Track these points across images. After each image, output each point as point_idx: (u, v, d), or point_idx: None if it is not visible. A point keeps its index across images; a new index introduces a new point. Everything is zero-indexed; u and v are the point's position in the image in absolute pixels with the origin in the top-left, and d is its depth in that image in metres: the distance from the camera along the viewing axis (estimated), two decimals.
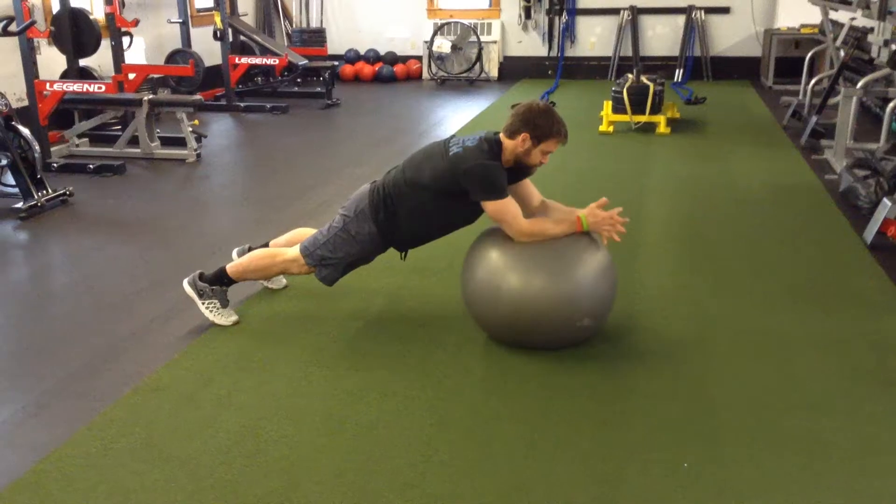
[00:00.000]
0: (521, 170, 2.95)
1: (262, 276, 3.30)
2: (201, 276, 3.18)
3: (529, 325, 2.79)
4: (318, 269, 3.08)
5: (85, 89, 5.86)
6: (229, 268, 3.18)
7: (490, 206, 2.83)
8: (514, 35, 10.36)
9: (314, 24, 10.67)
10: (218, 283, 3.17)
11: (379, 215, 2.96)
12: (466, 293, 2.95)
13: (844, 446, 2.32)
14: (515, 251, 2.80)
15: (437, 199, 2.91)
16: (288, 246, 3.27)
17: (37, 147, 4.84)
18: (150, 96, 6.05)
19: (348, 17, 10.72)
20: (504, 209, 2.81)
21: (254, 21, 10.23)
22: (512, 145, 2.86)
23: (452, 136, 2.98)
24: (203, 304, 3.16)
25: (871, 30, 5.96)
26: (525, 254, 2.79)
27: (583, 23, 10.13)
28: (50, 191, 4.82)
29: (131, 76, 6.66)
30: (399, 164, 3.06)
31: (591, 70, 10.17)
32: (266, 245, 3.44)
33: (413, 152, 3.08)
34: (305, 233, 3.33)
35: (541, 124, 2.82)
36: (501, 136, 2.88)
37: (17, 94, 6.17)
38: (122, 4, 6.85)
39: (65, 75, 6.40)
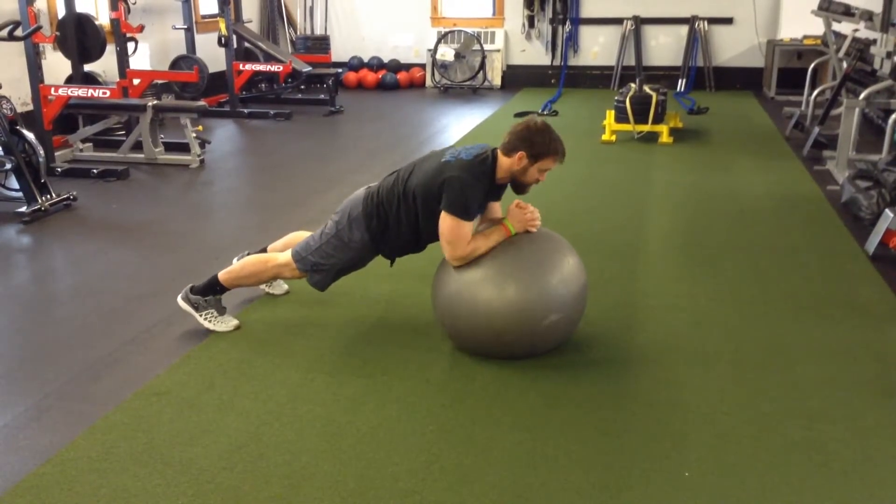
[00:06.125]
0: (516, 187, 2.94)
1: (255, 282, 3.27)
2: (192, 290, 3.17)
3: (496, 333, 2.76)
4: (310, 275, 3.08)
5: (89, 94, 5.88)
6: (221, 275, 3.16)
7: (448, 220, 2.77)
8: (518, 44, 10.39)
9: (318, 31, 10.71)
10: (210, 292, 3.16)
11: (372, 223, 2.95)
12: (435, 312, 2.97)
13: (846, 456, 2.32)
14: (469, 263, 2.79)
15: (425, 207, 2.86)
16: (284, 250, 3.27)
17: (41, 151, 4.86)
18: (155, 102, 6.07)
19: (352, 25, 10.75)
20: (459, 232, 2.76)
21: (258, 28, 10.27)
22: (508, 163, 2.84)
23: (450, 147, 2.97)
24: (201, 316, 3.15)
25: (874, 41, 5.97)
26: (479, 262, 2.78)
27: (586, 32, 10.16)
28: (54, 195, 4.83)
29: (136, 81, 6.70)
30: (397, 171, 3.05)
31: (594, 79, 10.20)
32: (264, 250, 3.44)
33: (413, 160, 3.08)
34: (301, 236, 3.33)
35: (538, 142, 2.80)
36: (499, 152, 2.87)
37: (21, 99, 6.20)
38: (128, 10, 6.88)
39: (69, 80, 6.43)
